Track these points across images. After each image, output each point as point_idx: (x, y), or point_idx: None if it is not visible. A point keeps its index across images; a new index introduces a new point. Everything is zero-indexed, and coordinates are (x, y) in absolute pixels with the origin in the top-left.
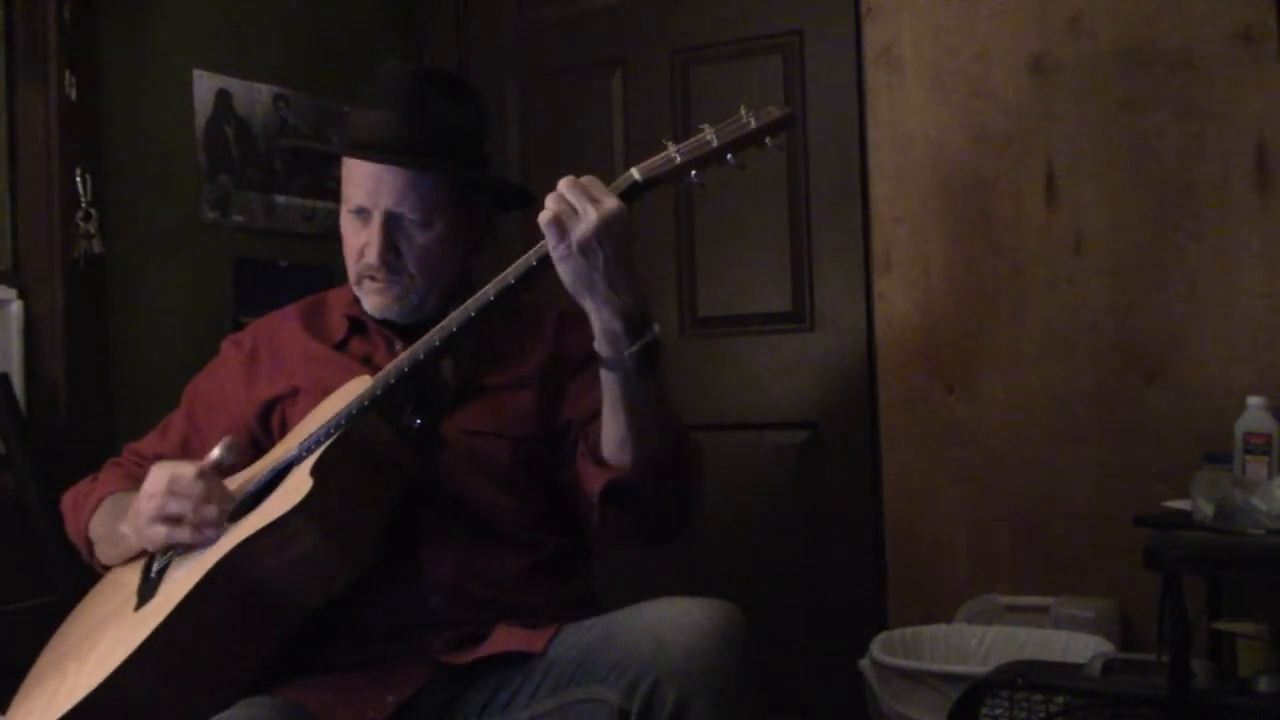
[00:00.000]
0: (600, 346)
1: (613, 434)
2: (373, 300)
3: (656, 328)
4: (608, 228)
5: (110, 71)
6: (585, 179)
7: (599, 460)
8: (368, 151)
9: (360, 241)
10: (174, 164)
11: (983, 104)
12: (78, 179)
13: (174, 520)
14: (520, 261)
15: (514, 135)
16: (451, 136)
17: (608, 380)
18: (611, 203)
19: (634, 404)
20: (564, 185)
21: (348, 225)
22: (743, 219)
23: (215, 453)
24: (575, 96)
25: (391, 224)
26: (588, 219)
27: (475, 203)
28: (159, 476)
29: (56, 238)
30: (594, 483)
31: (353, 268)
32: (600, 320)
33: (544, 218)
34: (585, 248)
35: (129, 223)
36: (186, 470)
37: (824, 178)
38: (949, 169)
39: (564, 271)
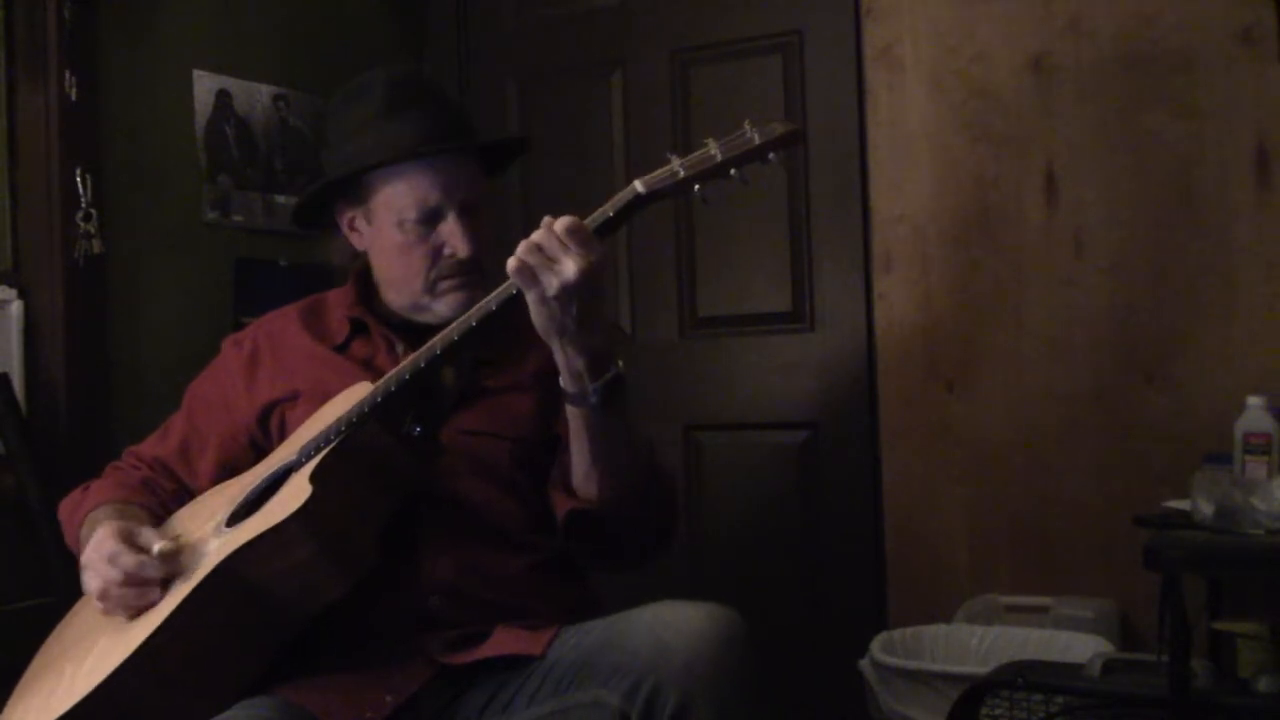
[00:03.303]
0: (565, 383)
1: (579, 466)
2: (454, 300)
3: (620, 363)
4: (587, 280)
5: (110, 71)
6: (562, 225)
7: (567, 488)
8: (433, 152)
9: (431, 245)
10: (174, 164)
11: (983, 104)
12: (78, 179)
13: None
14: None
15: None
16: (468, 119)
17: (573, 415)
18: (591, 256)
19: (598, 439)
20: (540, 236)
21: (408, 238)
22: (743, 219)
23: (156, 547)
24: (575, 96)
25: (471, 213)
26: (566, 273)
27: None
28: (94, 557)
29: (56, 238)
30: (559, 510)
31: (423, 277)
32: (565, 359)
33: (512, 266)
34: (562, 298)
35: (129, 223)
36: (127, 563)
37: (824, 178)
38: (949, 169)
39: (536, 315)
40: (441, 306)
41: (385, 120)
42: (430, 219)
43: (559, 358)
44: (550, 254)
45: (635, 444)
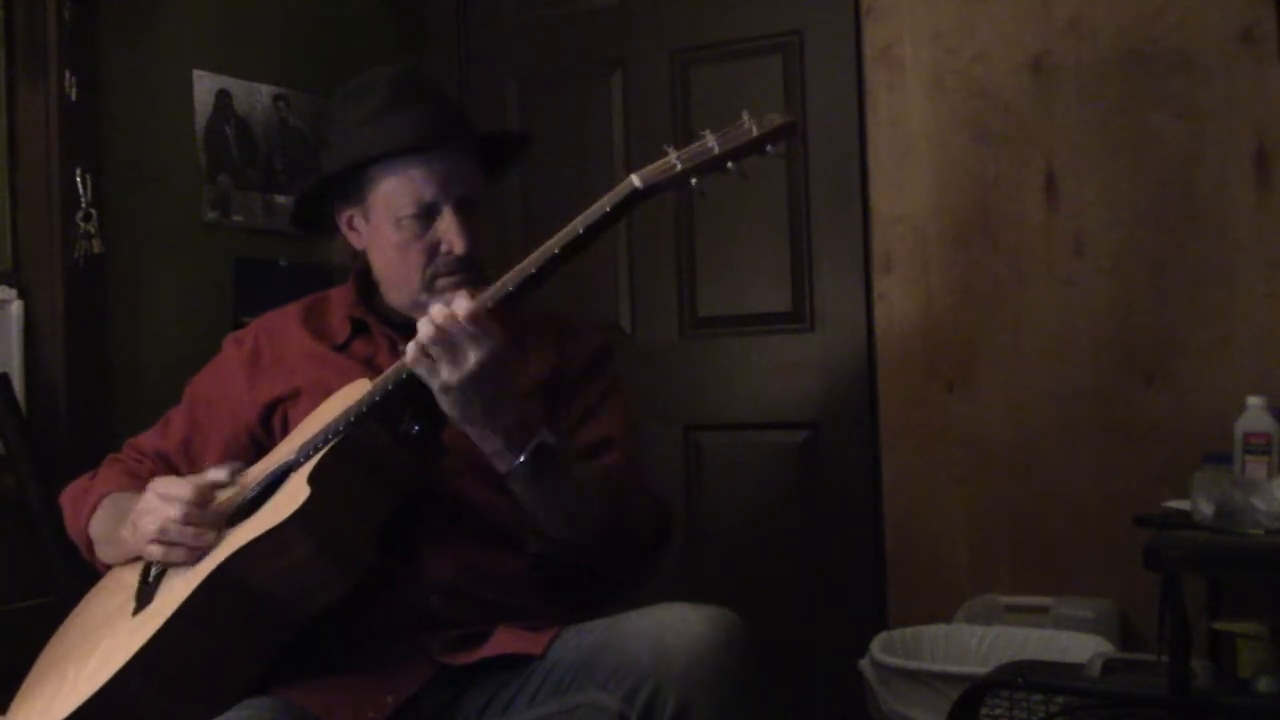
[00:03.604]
0: (494, 463)
1: (538, 521)
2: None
3: (544, 433)
4: (485, 369)
5: (110, 71)
6: (452, 317)
7: (534, 530)
8: (430, 146)
9: (427, 242)
10: (174, 164)
11: (983, 104)
12: (78, 179)
13: (170, 544)
14: (518, 269)
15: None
16: (468, 117)
17: (514, 485)
18: (485, 343)
19: (542, 502)
20: (431, 326)
21: (404, 236)
22: (742, 219)
23: (217, 474)
24: (575, 96)
25: (468, 210)
26: (464, 363)
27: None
28: (155, 500)
29: (56, 238)
30: (528, 548)
31: (420, 275)
32: (483, 444)
33: (412, 359)
34: (464, 388)
35: (129, 223)
36: (184, 492)
37: (824, 178)
38: (949, 169)
39: (444, 404)
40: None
41: (383, 117)
42: (427, 215)
43: (478, 443)
44: (443, 349)
45: (590, 494)
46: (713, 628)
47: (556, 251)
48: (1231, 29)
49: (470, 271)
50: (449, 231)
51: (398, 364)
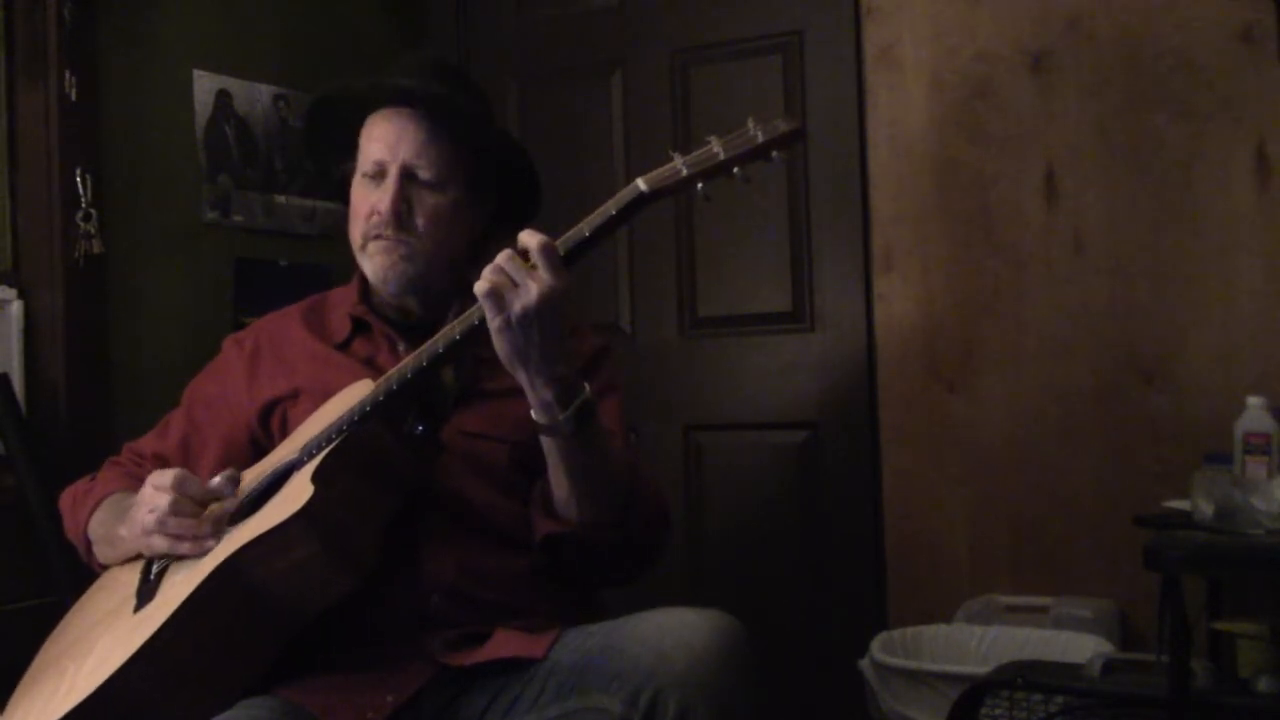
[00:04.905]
0: (537, 415)
1: (558, 491)
2: (377, 261)
3: (586, 387)
4: (547, 303)
5: (110, 71)
6: (528, 245)
7: (548, 510)
8: (389, 103)
9: (371, 202)
10: (174, 164)
11: (983, 104)
12: (78, 179)
13: (173, 537)
14: None
15: (514, 135)
16: (469, 106)
17: (548, 446)
18: (551, 278)
19: (575, 465)
20: (503, 258)
21: (360, 191)
22: (743, 219)
23: (214, 481)
24: (575, 96)
25: (407, 178)
26: (527, 294)
27: (485, 192)
28: (156, 493)
29: (56, 238)
30: (537, 531)
31: (359, 231)
32: (533, 391)
33: (481, 289)
34: (524, 322)
35: (129, 223)
36: (171, 478)
37: (824, 178)
38: (949, 169)
39: (500, 344)
40: (369, 266)
41: (385, 80)
42: (377, 175)
43: (527, 391)
44: (513, 275)
45: (614, 467)
46: (713, 630)
47: (562, 253)
48: (1231, 29)
49: (394, 239)
50: (384, 192)
51: (430, 342)
